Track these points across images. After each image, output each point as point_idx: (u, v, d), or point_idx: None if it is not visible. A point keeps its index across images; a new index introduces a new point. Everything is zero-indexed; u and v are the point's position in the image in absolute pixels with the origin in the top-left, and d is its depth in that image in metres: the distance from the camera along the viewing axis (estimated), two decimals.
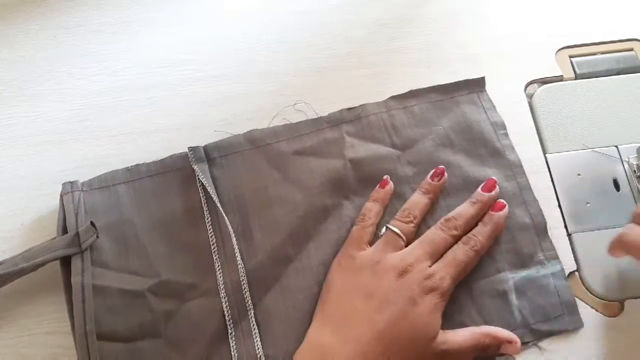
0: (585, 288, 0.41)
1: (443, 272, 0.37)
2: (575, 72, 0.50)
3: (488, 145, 0.45)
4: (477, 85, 0.48)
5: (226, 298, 0.39)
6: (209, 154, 0.44)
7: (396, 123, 0.46)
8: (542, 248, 0.42)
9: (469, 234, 0.40)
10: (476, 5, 0.54)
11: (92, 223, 0.40)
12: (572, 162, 0.46)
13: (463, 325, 0.39)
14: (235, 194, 0.43)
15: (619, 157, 0.46)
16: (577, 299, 0.40)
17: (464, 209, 0.41)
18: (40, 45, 0.51)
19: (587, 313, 0.40)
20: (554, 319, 0.39)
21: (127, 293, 0.39)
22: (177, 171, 0.44)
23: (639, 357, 0.39)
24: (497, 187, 0.42)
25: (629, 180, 0.45)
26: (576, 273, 0.42)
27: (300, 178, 0.44)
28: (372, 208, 0.42)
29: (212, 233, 0.42)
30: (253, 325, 0.39)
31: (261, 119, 0.47)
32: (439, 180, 0.43)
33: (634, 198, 0.44)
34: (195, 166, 0.43)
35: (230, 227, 0.41)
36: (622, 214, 0.43)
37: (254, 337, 0.38)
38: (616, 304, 0.41)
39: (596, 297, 0.41)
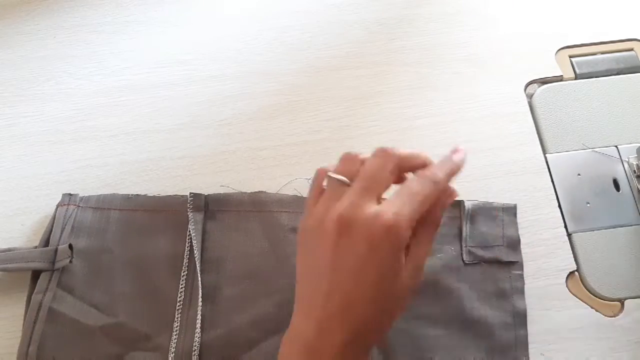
0: (585, 288, 0.41)
1: (394, 206, 0.29)
2: (575, 72, 0.50)
3: (497, 283, 0.40)
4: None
5: None
6: (209, 205, 0.42)
7: None
8: None
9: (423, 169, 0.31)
10: (476, 5, 0.54)
11: (70, 246, 0.40)
12: (572, 162, 0.46)
13: None
14: (220, 255, 0.41)
15: (619, 157, 0.46)
16: (576, 299, 0.40)
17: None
18: (40, 45, 0.51)
19: (587, 313, 0.40)
20: None
21: (80, 326, 0.38)
22: (172, 213, 0.42)
23: (639, 357, 0.39)
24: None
25: (629, 180, 0.45)
26: (576, 273, 0.42)
27: (289, 261, 0.40)
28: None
29: (183, 289, 0.39)
30: None
31: (261, 120, 0.47)
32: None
33: (634, 198, 0.44)
34: (191, 214, 0.41)
35: (200, 291, 0.39)
36: (622, 214, 0.43)
37: None
38: (616, 304, 0.41)
39: (596, 297, 0.41)
